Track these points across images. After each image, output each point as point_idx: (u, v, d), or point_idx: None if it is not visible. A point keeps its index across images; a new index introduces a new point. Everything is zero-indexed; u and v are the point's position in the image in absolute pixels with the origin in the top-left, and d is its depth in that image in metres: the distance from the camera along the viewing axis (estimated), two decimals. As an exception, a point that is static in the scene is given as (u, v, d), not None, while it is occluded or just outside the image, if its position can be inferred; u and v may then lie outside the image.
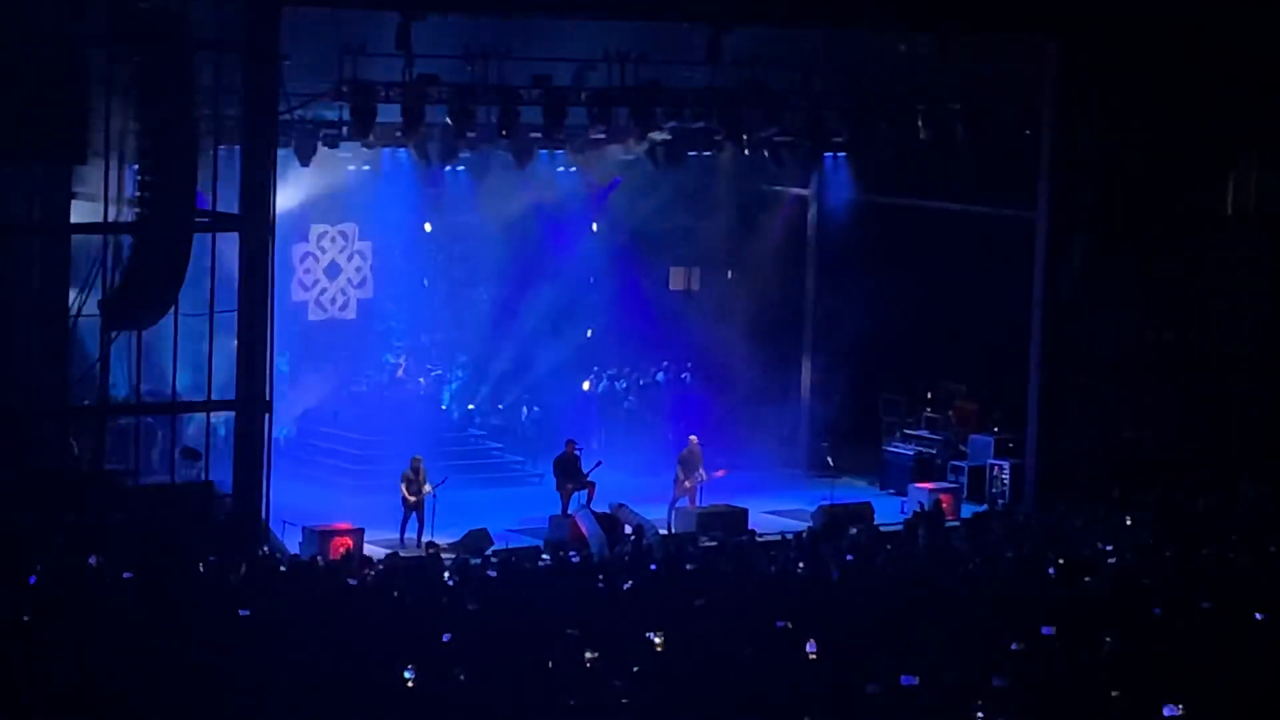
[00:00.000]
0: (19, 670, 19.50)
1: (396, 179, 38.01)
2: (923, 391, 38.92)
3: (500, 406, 40.16)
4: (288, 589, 24.96)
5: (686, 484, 35.23)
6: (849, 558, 28.19)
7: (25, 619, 21.81)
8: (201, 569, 25.91)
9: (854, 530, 31.41)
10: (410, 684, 18.88)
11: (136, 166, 29.15)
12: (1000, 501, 35.55)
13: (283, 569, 26.83)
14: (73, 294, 29.46)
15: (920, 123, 34.85)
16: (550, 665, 19.75)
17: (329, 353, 38.76)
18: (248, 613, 21.78)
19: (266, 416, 30.26)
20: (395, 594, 24.70)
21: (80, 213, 29.60)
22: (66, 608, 22.70)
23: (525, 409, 39.88)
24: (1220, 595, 23.83)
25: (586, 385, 40.84)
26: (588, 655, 20.02)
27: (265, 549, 29.06)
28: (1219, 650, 21.02)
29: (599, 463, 34.66)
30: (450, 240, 39.54)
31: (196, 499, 30.07)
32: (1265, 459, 35.50)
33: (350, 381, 38.58)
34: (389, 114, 31.66)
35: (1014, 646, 20.63)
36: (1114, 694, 18.74)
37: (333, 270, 38.50)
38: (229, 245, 30.36)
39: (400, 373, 39.05)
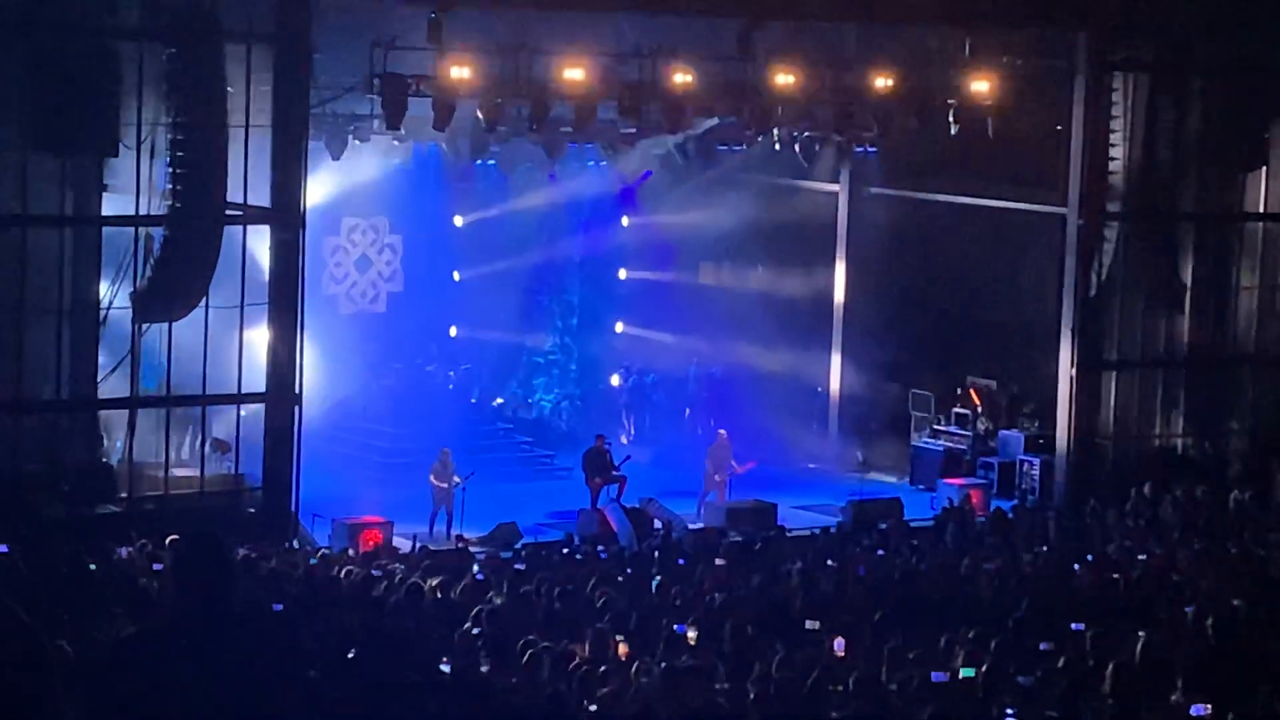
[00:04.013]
0: (48, 663, 19.52)
1: (427, 173, 38.16)
2: (952, 386, 38.87)
3: (530, 400, 40.20)
4: (317, 581, 24.99)
5: (716, 478, 35.23)
6: (878, 553, 28.16)
7: (57, 612, 21.84)
8: (234, 561, 25.93)
9: (883, 525, 31.37)
10: (446, 675, 18.91)
11: (168, 159, 29.23)
12: (1030, 497, 35.49)
13: (312, 561, 26.87)
14: (104, 286, 29.54)
15: (951, 117, 34.77)
16: (578, 660, 19.75)
17: (359, 346, 38.85)
18: (280, 607, 21.80)
19: (296, 409, 30.33)
20: (424, 586, 24.70)
21: (111, 205, 29.68)
22: (97, 600, 22.74)
23: (551, 402, 39.92)
24: (1252, 592, 23.74)
25: (616, 380, 40.88)
26: (622, 649, 20.04)
27: (295, 542, 29.11)
28: (1250, 648, 20.94)
29: (628, 456, 34.67)
30: (480, 234, 39.59)
31: (226, 491, 30.15)
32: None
33: (380, 375, 38.65)
34: (420, 108, 31.69)
35: (1043, 646, 20.57)
36: (1143, 691, 18.69)
37: (363, 264, 38.59)
38: (260, 239, 30.43)
39: (430, 367, 39.11)
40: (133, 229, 29.40)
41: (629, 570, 26.62)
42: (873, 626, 21.77)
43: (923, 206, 38.77)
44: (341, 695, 18.66)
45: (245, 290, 30.03)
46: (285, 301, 30.24)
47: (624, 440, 38.69)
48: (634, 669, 19.19)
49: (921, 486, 37.01)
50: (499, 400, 40.10)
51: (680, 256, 41.30)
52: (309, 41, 29.98)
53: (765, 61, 33.47)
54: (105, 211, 29.62)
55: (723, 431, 36.05)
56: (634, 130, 35.39)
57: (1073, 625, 21.46)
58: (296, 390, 30.30)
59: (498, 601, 23.31)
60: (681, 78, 32.78)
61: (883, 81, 34.15)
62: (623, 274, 41.65)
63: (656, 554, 28.51)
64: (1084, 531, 30.02)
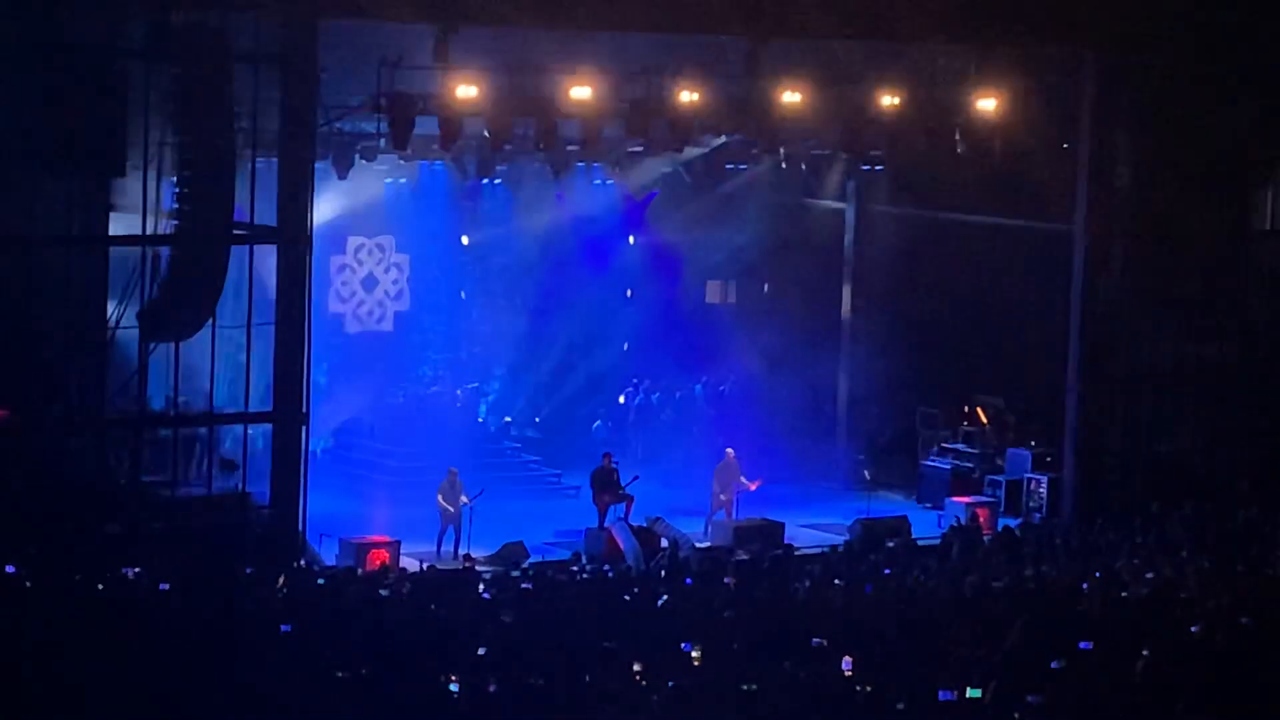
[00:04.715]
0: (57, 682, 19.55)
1: (433, 192, 38.16)
2: (960, 405, 38.84)
3: (537, 419, 40.21)
4: (325, 601, 24.98)
5: (723, 497, 35.21)
6: (885, 571, 28.14)
7: (64, 631, 21.85)
8: (240, 581, 25.94)
9: (891, 544, 31.35)
10: (454, 694, 18.92)
11: (174, 179, 29.26)
12: (1037, 515, 35.45)
13: (320, 581, 26.85)
14: (111, 306, 29.55)
15: (958, 135, 34.76)
16: (588, 679, 19.76)
17: (366, 365, 38.84)
18: (289, 628, 21.81)
19: (303, 428, 30.33)
20: (431, 606, 24.72)
21: (119, 225, 29.70)
22: (104, 620, 22.74)
23: (572, 419, 39.90)
24: (1260, 610, 23.71)
25: (623, 398, 40.88)
26: (635, 668, 20.04)
27: (302, 561, 29.10)
28: (1257, 667, 20.92)
29: (636, 476, 34.65)
30: (487, 253, 39.61)
31: (234, 511, 30.14)
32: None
33: (387, 394, 38.65)
34: (426, 126, 31.72)
35: (1054, 665, 20.54)
36: (1150, 710, 18.67)
37: (370, 283, 38.60)
38: (267, 258, 30.45)
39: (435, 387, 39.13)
40: (140, 249, 29.42)
41: (636, 589, 26.61)
42: (880, 645, 21.76)
43: (930, 224, 38.76)
44: (350, 714, 18.67)
45: (252, 309, 30.03)
46: (292, 321, 30.24)
47: (631, 459, 38.64)
48: (641, 687, 19.20)
49: (929, 505, 36.96)
50: (506, 419, 40.08)
51: (687, 274, 41.31)
52: (316, 61, 30.00)
53: (772, 80, 33.47)
54: (112, 231, 29.64)
55: (730, 450, 36.01)
56: (641, 148, 35.41)
57: (1080, 644, 21.45)
58: (303, 409, 30.30)
59: (505, 620, 23.32)
60: (688, 96, 32.79)
61: (890, 100, 34.15)
62: (629, 292, 41.64)
63: (664, 573, 28.51)
64: (1091, 549, 30.00)
